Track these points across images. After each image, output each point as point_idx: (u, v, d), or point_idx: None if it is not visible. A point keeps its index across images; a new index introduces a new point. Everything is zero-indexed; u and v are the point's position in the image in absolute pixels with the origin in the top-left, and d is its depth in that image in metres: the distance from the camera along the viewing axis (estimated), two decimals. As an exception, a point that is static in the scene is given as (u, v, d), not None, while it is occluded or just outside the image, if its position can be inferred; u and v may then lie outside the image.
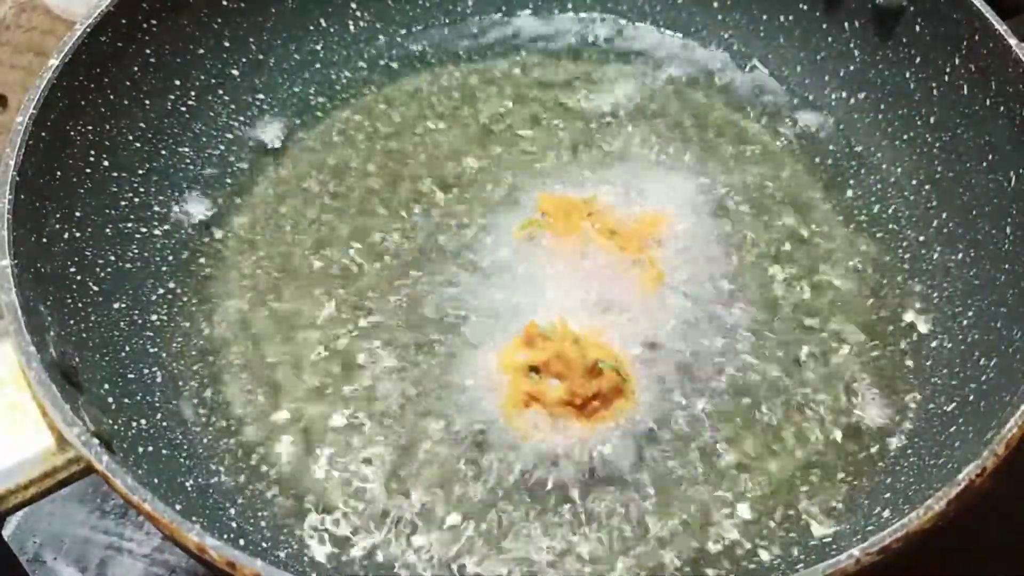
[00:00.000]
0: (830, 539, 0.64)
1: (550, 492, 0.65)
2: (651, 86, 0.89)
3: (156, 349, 0.72)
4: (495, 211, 0.79)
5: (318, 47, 0.90)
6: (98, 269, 0.72)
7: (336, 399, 0.70)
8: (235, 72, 0.86)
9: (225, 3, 0.84)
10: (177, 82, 0.81)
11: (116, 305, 0.72)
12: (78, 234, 0.70)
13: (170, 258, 0.77)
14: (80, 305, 0.68)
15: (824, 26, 0.87)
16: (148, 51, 0.78)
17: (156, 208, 0.78)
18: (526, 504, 0.65)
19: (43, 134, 0.67)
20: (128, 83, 0.77)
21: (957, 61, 0.76)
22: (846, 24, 0.85)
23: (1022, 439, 0.56)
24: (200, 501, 0.64)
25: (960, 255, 0.75)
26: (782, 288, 0.76)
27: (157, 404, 0.69)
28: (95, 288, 0.71)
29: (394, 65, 0.91)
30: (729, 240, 0.78)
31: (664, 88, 0.89)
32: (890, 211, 0.80)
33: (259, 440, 0.69)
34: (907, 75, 0.81)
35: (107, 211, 0.74)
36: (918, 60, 0.80)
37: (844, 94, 0.86)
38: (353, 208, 0.80)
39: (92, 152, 0.73)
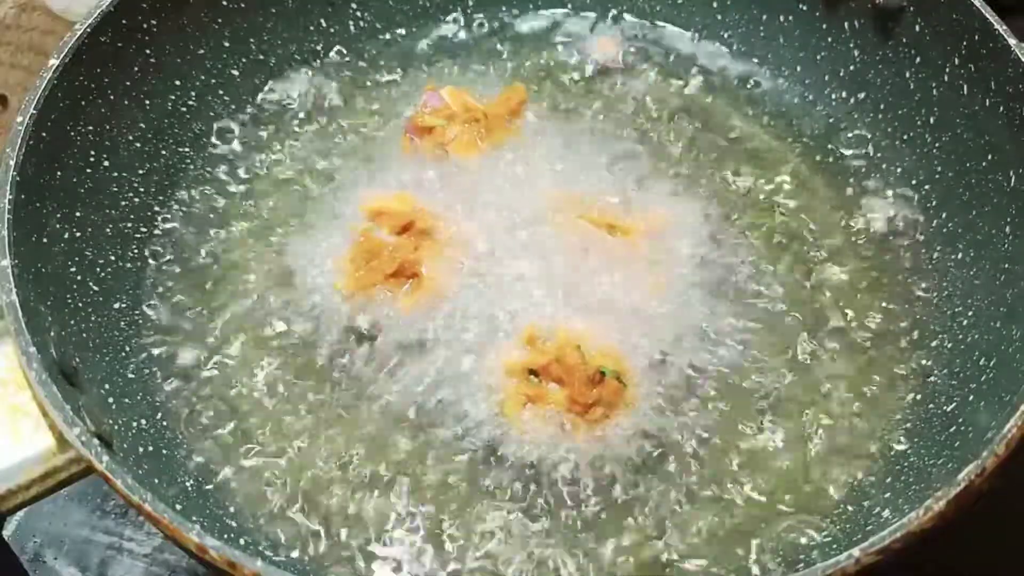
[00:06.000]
0: (830, 539, 0.64)
1: (549, 494, 0.65)
2: (650, 85, 0.89)
3: (156, 349, 0.72)
4: (496, 209, 0.79)
5: (318, 47, 0.90)
6: (98, 269, 0.72)
7: (335, 397, 0.70)
8: (235, 72, 0.86)
9: (225, 3, 0.84)
10: (177, 82, 0.81)
11: (116, 305, 0.72)
12: (78, 234, 0.70)
13: (170, 258, 0.77)
14: (80, 305, 0.68)
15: (824, 26, 0.87)
16: (148, 51, 0.78)
17: (156, 208, 0.78)
18: (525, 504, 0.65)
19: (43, 134, 0.67)
20: (128, 83, 0.77)
21: (957, 61, 0.76)
22: (846, 24, 0.85)
23: (1022, 439, 0.56)
24: (200, 501, 0.65)
25: (960, 255, 0.75)
26: (782, 288, 0.76)
27: (157, 404, 0.69)
28: (95, 288, 0.71)
29: (395, 65, 0.91)
30: (729, 239, 0.78)
31: (663, 88, 0.89)
32: (890, 211, 0.80)
33: (260, 438, 0.69)
34: (907, 75, 0.81)
35: (107, 211, 0.74)
36: (918, 60, 0.80)
37: (844, 94, 0.86)
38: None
39: (92, 152, 0.73)
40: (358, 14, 0.92)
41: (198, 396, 0.70)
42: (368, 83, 0.90)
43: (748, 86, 0.90)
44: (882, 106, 0.84)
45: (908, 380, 0.71)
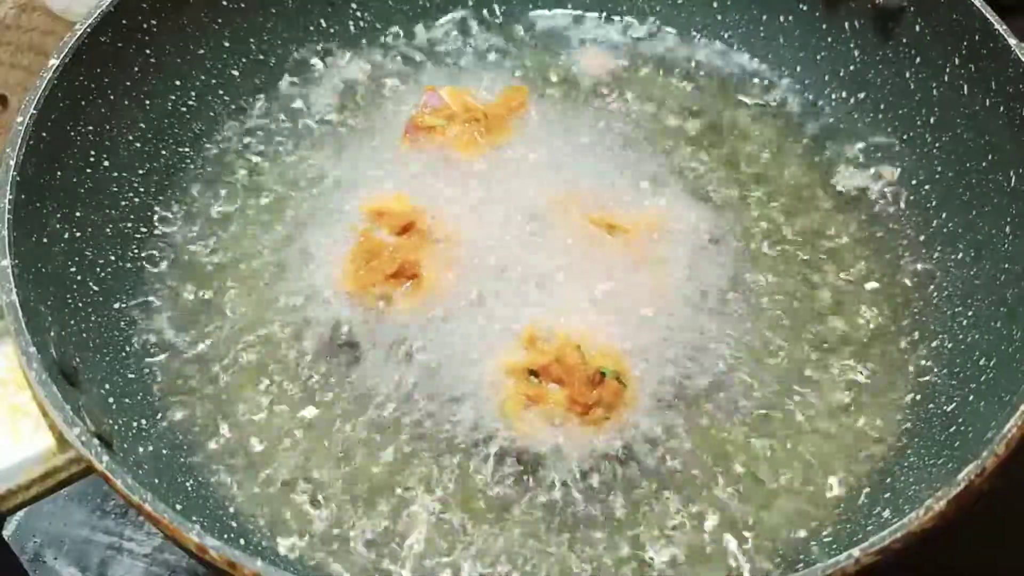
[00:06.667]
0: (830, 539, 0.64)
1: (548, 494, 0.65)
2: (650, 85, 0.90)
3: (156, 349, 0.72)
4: (496, 209, 0.79)
5: (318, 47, 0.90)
6: (98, 269, 0.72)
7: (336, 398, 0.70)
8: (235, 72, 0.86)
9: (225, 3, 0.84)
10: (177, 82, 0.81)
11: (116, 305, 0.72)
12: (78, 234, 0.70)
13: (170, 258, 0.77)
14: (80, 305, 0.68)
15: (824, 26, 0.87)
16: (148, 51, 0.78)
17: (156, 208, 0.78)
18: (524, 504, 0.65)
19: (43, 134, 0.67)
20: (128, 83, 0.77)
21: (957, 61, 0.76)
22: (846, 24, 0.85)
23: (1022, 439, 0.56)
24: (200, 501, 0.65)
25: (960, 255, 0.75)
26: (783, 289, 0.76)
27: (157, 404, 0.69)
28: (95, 288, 0.71)
29: (395, 64, 0.91)
30: (729, 239, 0.78)
31: (663, 88, 0.89)
32: (890, 211, 0.80)
33: (260, 439, 0.69)
34: (907, 75, 0.81)
35: (107, 211, 0.74)
36: (918, 60, 0.80)
37: (844, 94, 0.86)
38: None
39: (92, 152, 0.73)
40: (358, 14, 0.92)
41: (199, 396, 0.70)
42: (368, 83, 0.90)
43: (748, 86, 0.90)
44: (882, 106, 0.84)
45: (908, 380, 0.71)
